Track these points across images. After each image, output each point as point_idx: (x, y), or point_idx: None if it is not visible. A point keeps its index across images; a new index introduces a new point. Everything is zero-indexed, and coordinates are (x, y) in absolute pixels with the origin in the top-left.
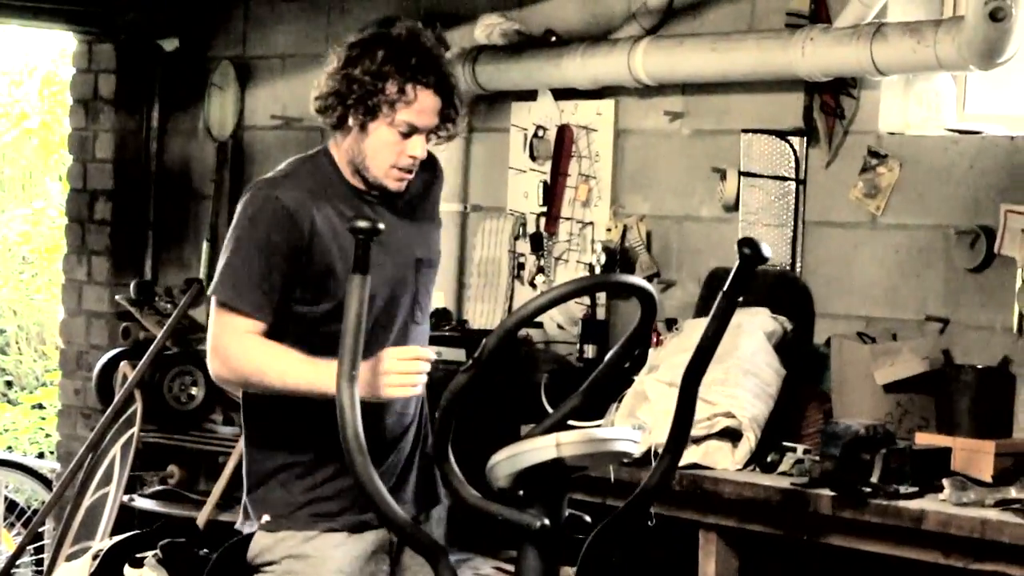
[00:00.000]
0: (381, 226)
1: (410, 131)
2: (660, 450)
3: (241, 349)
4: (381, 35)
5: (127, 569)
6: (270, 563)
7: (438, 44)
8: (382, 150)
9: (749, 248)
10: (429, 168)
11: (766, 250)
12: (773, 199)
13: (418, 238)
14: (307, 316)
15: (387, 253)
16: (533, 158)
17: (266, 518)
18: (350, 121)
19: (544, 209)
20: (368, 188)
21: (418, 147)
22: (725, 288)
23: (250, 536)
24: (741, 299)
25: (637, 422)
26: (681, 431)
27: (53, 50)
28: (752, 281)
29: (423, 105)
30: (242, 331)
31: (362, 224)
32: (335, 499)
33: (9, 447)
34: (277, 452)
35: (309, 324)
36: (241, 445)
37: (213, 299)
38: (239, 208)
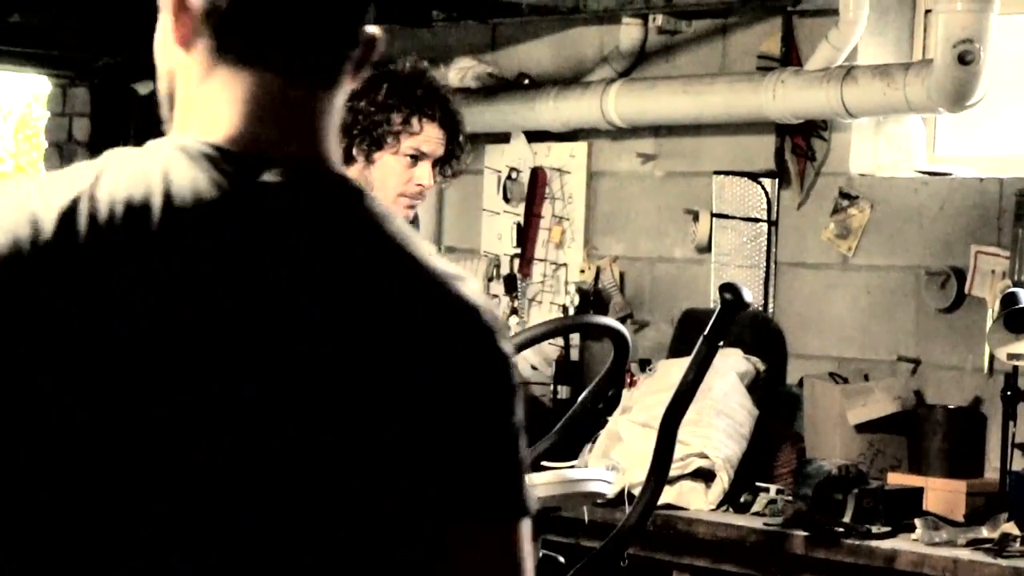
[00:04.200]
0: None
1: (417, 157)
2: (634, 491)
3: None
4: (386, 71)
5: None
6: None
7: (441, 81)
8: (389, 178)
9: (731, 293)
10: None
11: (747, 295)
12: (745, 240)
13: None
14: None
15: None
16: (507, 200)
17: None
18: (355, 152)
19: (518, 251)
20: None
21: (425, 175)
22: (706, 332)
23: None
24: (721, 344)
25: (611, 463)
26: (660, 473)
27: (27, 93)
28: (732, 326)
29: (428, 136)
30: None
31: None
32: None
33: None
34: None
35: None
36: None
37: None
38: None
